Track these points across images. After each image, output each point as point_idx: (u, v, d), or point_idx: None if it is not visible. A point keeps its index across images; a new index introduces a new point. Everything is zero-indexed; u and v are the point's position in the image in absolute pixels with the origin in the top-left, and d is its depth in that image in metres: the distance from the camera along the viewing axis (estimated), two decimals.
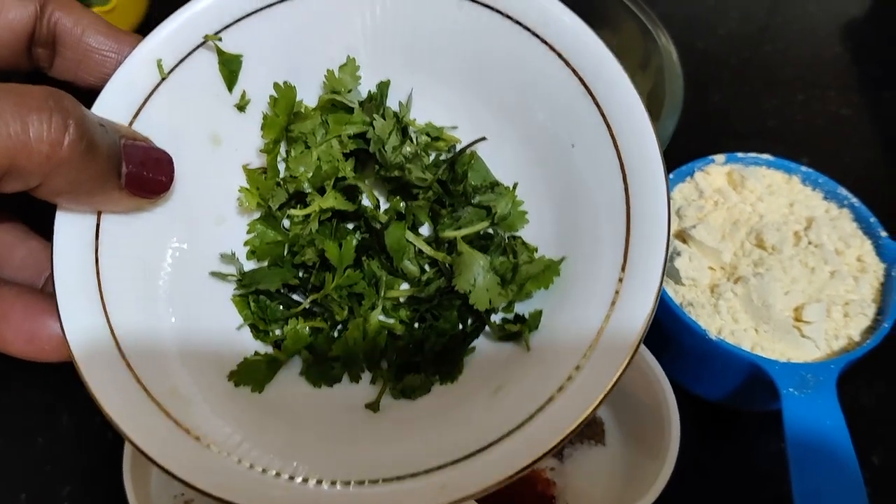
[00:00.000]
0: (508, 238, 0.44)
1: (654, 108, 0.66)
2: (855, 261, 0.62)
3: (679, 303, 0.60)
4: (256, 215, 0.46)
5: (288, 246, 0.45)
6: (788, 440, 0.52)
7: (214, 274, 0.44)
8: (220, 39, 0.42)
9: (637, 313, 0.36)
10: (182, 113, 0.43)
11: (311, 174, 0.44)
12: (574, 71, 0.41)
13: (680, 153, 0.85)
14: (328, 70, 0.45)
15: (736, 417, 0.66)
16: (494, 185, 0.45)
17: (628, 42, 0.71)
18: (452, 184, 0.45)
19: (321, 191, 0.45)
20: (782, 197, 0.66)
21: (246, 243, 0.45)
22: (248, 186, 0.45)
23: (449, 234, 0.43)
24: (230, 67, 0.43)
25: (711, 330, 0.58)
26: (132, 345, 0.38)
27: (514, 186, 0.44)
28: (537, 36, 0.41)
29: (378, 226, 0.44)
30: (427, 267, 0.45)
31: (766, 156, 0.67)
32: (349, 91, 0.45)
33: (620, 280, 0.37)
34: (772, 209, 0.64)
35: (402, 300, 0.45)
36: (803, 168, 0.67)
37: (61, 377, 0.67)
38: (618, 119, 0.40)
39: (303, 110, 0.45)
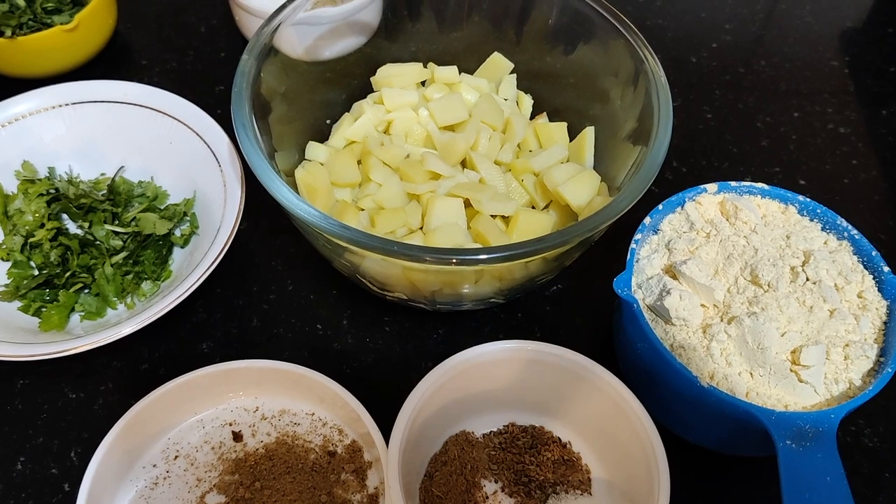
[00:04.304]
0: None
1: (645, 131, 0.63)
2: (856, 297, 0.59)
3: (669, 345, 0.57)
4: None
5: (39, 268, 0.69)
6: (785, 499, 0.48)
7: None
8: None
9: None
10: None
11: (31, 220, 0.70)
12: None
13: (672, 174, 0.82)
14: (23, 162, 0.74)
15: (729, 463, 0.62)
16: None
17: (617, 61, 0.68)
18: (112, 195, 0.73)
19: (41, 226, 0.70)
20: (778, 228, 0.62)
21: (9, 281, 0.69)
22: None
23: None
24: None
25: (704, 375, 0.55)
26: None
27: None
28: None
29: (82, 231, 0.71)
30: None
31: (760, 185, 0.64)
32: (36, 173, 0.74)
33: None
34: (767, 242, 0.61)
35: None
36: (800, 198, 0.63)
37: (15, 428, 0.63)
38: None
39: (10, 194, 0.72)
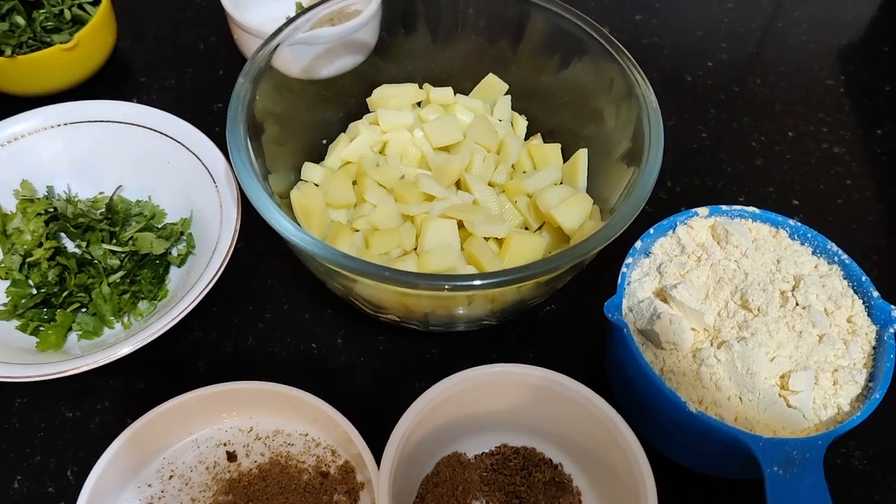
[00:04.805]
0: None
1: (638, 152, 0.63)
2: (845, 322, 0.59)
3: (659, 369, 0.57)
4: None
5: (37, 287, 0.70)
6: None
7: None
8: None
9: None
10: None
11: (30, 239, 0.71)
12: None
13: (666, 194, 0.82)
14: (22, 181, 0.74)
15: (718, 485, 0.62)
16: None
17: (609, 81, 0.68)
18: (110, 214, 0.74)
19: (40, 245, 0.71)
20: (769, 252, 0.62)
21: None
22: None
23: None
24: None
25: (693, 400, 0.55)
26: None
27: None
28: None
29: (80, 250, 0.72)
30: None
31: (751, 208, 0.64)
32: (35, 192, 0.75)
33: None
34: (757, 266, 0.61)
35: None
36: (791, 221, 0.64)
37: (12, 447, 0.64)
38: None
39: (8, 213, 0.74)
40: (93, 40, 0.84)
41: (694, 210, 0.64)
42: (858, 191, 0.84)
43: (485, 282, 0.53)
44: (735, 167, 0.86)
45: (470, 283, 0.53)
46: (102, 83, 0.89)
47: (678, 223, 0.64)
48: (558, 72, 0.74)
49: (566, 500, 0.60)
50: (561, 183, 0.72)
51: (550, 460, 0.62)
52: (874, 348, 0.58)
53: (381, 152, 0.75)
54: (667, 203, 0.81)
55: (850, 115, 0.92)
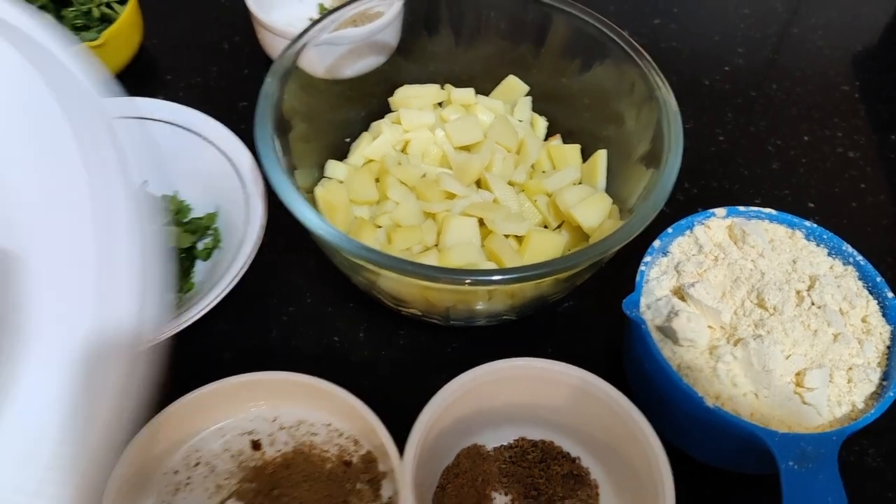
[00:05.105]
0: None
1: (657, 153, 0.64)
2: (860, 322, 0.60)
3: (676, 365, 0.58)
4: None
5: None
6: None
7: None
8: None
9: None
10: None
11: None
12: None
13: (683, 195, 0.83)
14: None
15: (734, 480, 0.63)
16: None
17: (630, 84, 0.70)
18: None
19: None
20: (785, 253, 0.63)
21: None
22: None
23: None
24: None
25: (709, 395, 0.56)
26: None
27: None
28: None
29: None
30: None
31: (768, 210, 0.65)
32: None
33: None
34: (774, 266, 0.62)
35: None
36: (807, 223, 0.65)
37: None
38: None
39: None
40: (120, 39, 0.86)
41: (711, 210, 0.65)
42: (873, 195, 0.85)
43: (504, 277, 0.55)
44: (751, 170, 0.87)
45: (490, 277, 0.55)
46: (129, 81, 0.91)
47: (696, 223, 0.65)
48: (579, 75, 0.75)
49: (584, 492, 0.61)
50: (580, 183, 0.73)
51: (568, 453, 0.63)
52: (888, 348, 0.59)
53: (403, 151, 0.76)
54: (684, 205, 0.82)
55: (864, 121, 0.93)
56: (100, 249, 0.38)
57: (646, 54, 0.68)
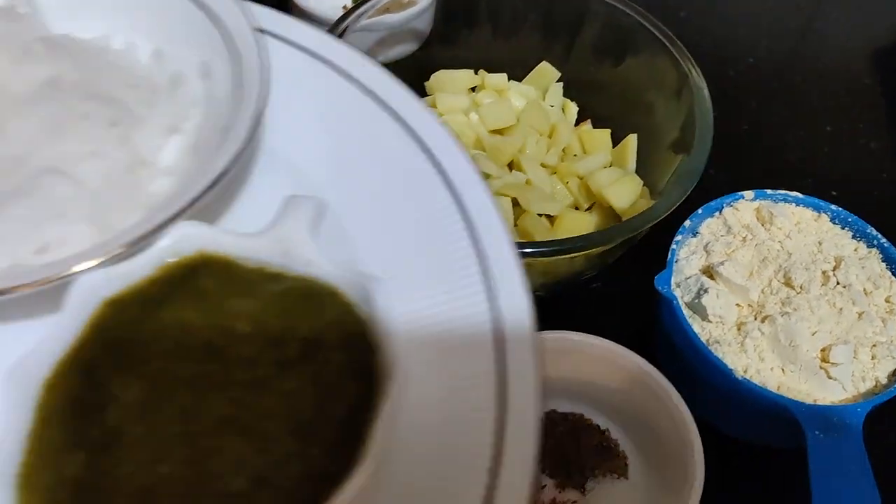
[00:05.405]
0: None
1: (686, 140, 0.67)
2: (883, 302, 0.62)
3: (706, 340, 0.60)
4: None
5: None
6: (813, 486, 0.52)
7: None
8: None
9: None
10: None
11: None
12: None
13: (709, 184, 0.85)
14: None
15: (762, 455, 0.65)
16: None
17: (661, 73, 0.72)
18: None
19: None
20: (811, 235, 0.65)
21: None
22: None
23: None
24: None
25: (738, 369, 0.58)
26: None
27: None
28: None
29: None
30: None
31: (795, 193, 0.67)
32: None
33: None
34: (800, 247, 0.64)
35: None
36: (833, 207, 0.67)
37: None
38: None
39: None
40: None
41: (740, 193, 0.67)
42: (894, 186, 0.87)
43: (539, 249, 0.57)
44: (774, 159, 0.89)
45: (524, 250, 0.57)
46: None
47: (725, 205, 0.67)
48: (613, 65, 0.77)
49: (613, 463, 0.63)
50: (610, 166, 0.75)
51: (598, 426, 0.65)
52: None
53: None
54: (709, 190, 0.84)
55: (885, 114, 0.94)
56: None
57: (679, 43, 0.70)
